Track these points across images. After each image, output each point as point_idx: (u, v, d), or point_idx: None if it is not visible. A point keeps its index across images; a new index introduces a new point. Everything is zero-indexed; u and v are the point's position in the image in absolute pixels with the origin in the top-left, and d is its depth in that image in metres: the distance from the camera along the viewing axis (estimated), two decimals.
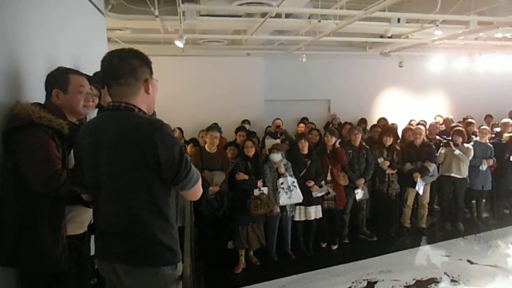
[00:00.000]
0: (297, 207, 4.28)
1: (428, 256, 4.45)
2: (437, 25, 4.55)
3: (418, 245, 4.72)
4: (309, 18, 4.80)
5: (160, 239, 1.44)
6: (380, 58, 7.52)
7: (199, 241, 3.99)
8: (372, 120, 7.21)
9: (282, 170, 4.10)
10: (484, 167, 5.06)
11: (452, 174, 4.98)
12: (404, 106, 8.40)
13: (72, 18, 2.69)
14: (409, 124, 6.31)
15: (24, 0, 1.91)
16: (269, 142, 4.87)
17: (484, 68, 7.45)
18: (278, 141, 5.05)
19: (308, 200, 4.22)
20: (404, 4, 5.25)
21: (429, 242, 4.81)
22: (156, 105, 1.62)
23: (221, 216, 4.12)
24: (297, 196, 4.09)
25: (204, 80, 6.95)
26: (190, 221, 2.44)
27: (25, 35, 1.89)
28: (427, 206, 5.08)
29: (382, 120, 6.72)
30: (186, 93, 6.75)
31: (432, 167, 4.81)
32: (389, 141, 4.80)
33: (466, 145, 4.94)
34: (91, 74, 2.18)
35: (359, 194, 4.59)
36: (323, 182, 4.34)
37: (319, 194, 4.28)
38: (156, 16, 3.93)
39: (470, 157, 4.91)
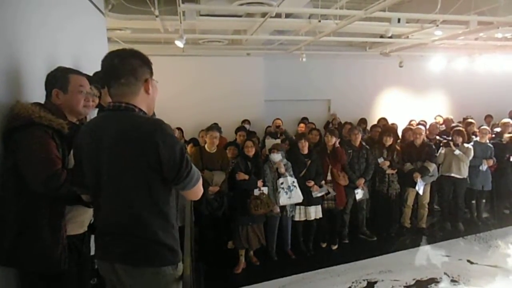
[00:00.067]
0: (297, 207, 4.28)
1: (428, 256, 4.45)
2: (437, 25, 4.55)
3: (418, 245, 4.72)
4: (309, 18, 4.80)
5: (161, 238, 1.45)
6: (380, 58, 7.53)
7: (199, 241, 3.99)
8: (372, 120, 7.21)
9: (282, 170, 4.10)
10: (484, 167, 5.06)
11: (452, 174, 4.98)
12: (404, 106, 8.40)
13: (72, 18, 2.69)
14: (409, 124, 6.30)
15: (24, 0, 1.91)
16: (269, 142, 4.87)
17: (484, 68, 7.45)
18: (278, 141, 5.05)
19: (308, 200, 4.22)
20: (404, 4, 5.25)
21: (429, 242, 4.81)
22: (156, 105, 1.62)
23: (221, 216, 4.12)
24: (297, 196, 4.09)
25: (204, 80, 6.95)
26: (190, 221, 2.44)
27: (25, 35, 1.89)
28: (427, 206, 5.08)
29: (382, 120, 6.72)
30: (186, 93, 6.75)
31: (432, 167, 4.81)
32: (389, 141, 4.80)
33: (466, 145, 4.94)
34: (91, 74, 2.18)
35: (359, 194, 4.59)
36: (323, 182, 4.34)
37: (319, 194, 4.28)
38: (156, 16, 3.94)
39: (470, 157, 4.91)
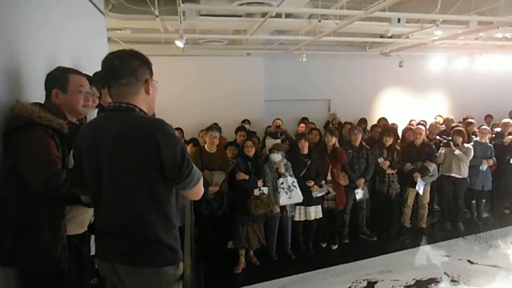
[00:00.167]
0: (297, 207, 4.28)
1: (428, 256, 4.45)
2: (437, 25, 4.55)
3: (418, 245, 4.72)
4: (309, 18, 4.80)
5: (162, 238, 1.45)
6: (380, 58, 7.52)
7: (199, 241, 3.99)
8: (372, 120, 7.21)
9: (282, 170, 4.10)
10: (484, 167, 5.06)
11: (452, 174, 4.98)
12: (404, 106, 8.40)
13: (72, 18, 2.69)
14: (409, 124, 6.31)
15: (24, 0, 1.91)
16: (269, 142, 4.87)
17: (484, 68, 7.45)
18: (278, 141, 5.05)
19: (308, 200, 4.22)
20: (404, 4, 5.25)
21: (429, 242, 4.81)
22: (156, 105, 1.62)
23: (221, 216, 4.12)
24: (297, 196, 4.09)
25: (204, 80, 6.95)
26: (190, 221, 2.44)
27: (25, 35, 1.89)
28: (427, 206, 5.08)
29: (382, 120, 6.72)
30: (186, 93, 6.75)
31: (432, 167, 4.81)
32: (389, 141, 4.80)
33: (466, 145, 4.94)
34: (91, 74, 2.18)
35: (359, 194, 4.59)
36: (323, 182, 4.34)
37: (319, 194, 4.28)
38: (156, 16, 3.93)
39: (470, 157, 4.91)
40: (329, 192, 4.40)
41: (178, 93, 6.49)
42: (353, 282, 3.83)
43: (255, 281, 3.86)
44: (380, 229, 4.99)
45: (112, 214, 1.46)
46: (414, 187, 4.79)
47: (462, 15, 4.59)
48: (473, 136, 5.50)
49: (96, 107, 2.20)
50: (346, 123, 6.40)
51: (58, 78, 1.78)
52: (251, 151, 4.10)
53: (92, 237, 1.97)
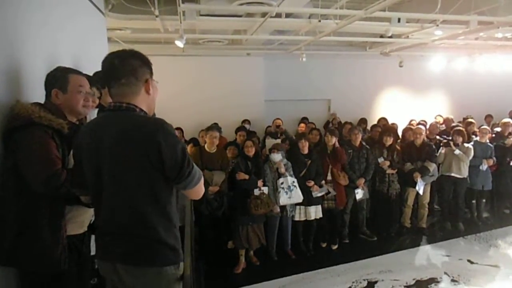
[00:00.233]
0: (297, 207, 4.28)
1: (428, 256, 4.45)
2: (437, 25, 4.55)
3: (418, 245, 4.72)
4: (309, 18, 4.80)
5: (163, 238, 1.45)
6: (380, 58, 7.52)
7: (199, 241, 3.99)
8: (372, 120, 7.22)
9: (282, 170, 4.10)
10: (484, 167, 5.06)
11: (452, 174, 4.98)
12: (404, 106, 8.40)
13: (72, 18, 2.69)
14: (409, 124, 6.31)
15: (24, 0, 1.91)
16: (269, 142, 4.88)
17: (484, 68, 7.45)
18: (279, 141, 5.05)
19: (308, 200, 4.22)
20: (404, 4, 5.25)
21: (429, 242, 4.81)
22: (156, 105, 1.62)
23: (221, 216, 4.12)
24: (297, 196, 4.09)
25: (204, 80, 6.95)
26: (190, 221, 2.44)
27: (26, 35, 1.89)
28: (427, 206, 5.08)
29: (382, 120, 6.72)
30: (186, 93, 6.75)
31: (432, 167, 4.81)
32: (389, 141, 4.80)
33: (466, 145, 4.94)
34: (91, 74, 2.18)
35: (359, 194, 4.59)
36: (323, 182, 4.34)
37: (319, 194, 4.28)
38: (156, 16, 3.93)
39: (470, 157, 4.91)
40: (329, 192, 4.40)
41: (178, 93, 6.49)
42: (353, 282, 3.83)
43: (255, 281, 3.86)
44: (380, 229, 4.99)
45: (112, 214, 1.46)
46: (414, 187, 4.79)
47: (462, 15, 4.59)
48: (473, 136, 5.49)
49: (96, 107, 2.20)
50: (346, 123, 6.40)
51: (58, 78, 1.78)
52: (251, 151, 4.10)
53: (92, 237, 1.97)
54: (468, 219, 5.37)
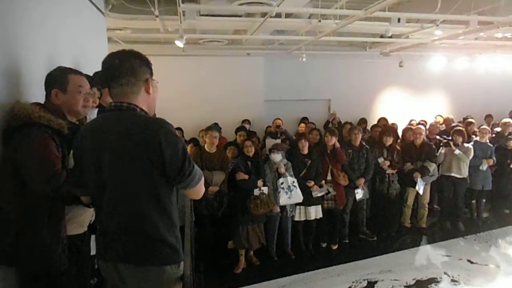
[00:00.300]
0: (297, 207, 4.28)
1: (428, 256, 4.45)
2: (437, 25, 4.55)
3: (418, 245, 4.72)
4: (309, 18, 4.81)
5: (164, 237, 1.45)
6: (380, 58, 7.52)
7: (199, 241, 3.99)
8: (372, 120, 7.21)
9: (282, 170, 4.10)
10: (484, 166, 5.06)
11: (452, 174, 4.98)
12: (404, 106, 8.40)
13: (72, 18, 2.69)
14: (409, 124, 6.31)
15: (24, 0, 1.91)
16: (269, 142, 4.89)
17: (484, 68, 7.45)
18: (278, 141, 5.06)
19: (308, 200, 4.21)
20: (404, 4, 5.25)
21: (429, 242, 4.81)
22: (156, 105, 1.62)
23: (221, 216, 4.12)
24: (297, 196, 4.08)
25: (204, 80, 6.95)
26: (190, 221, 2.44)
27: (25, 35, 1.89)
28: (427, 206, 5.09)
29: (383, 120, 6.72)
30: (186, 93, 6.75)
31: (432, 167, 4.81)
32: (389, 141, 4.80)
33: (466, 144, 4.94)
34: (91, 74, 2.18)
35: (359, 194, 4.59)
36: (323, 182, 4.34)
37: (319, 194, 4.28)
38: (156, 16, 3.93)
39: (470, 157, 4.91)
40: (329, 192, 4.40)
41: (178, 93, 6.49)
42: (353, 282, 3.83)
43: (255, 281, 3.86)
44: (380, 229, 4.99)
45: (113, 214, 1.46)
46: (414, 187, 4.79)
47: (462, 15, 4.59)
48: (473, 136, 5.50)
49: (97, 107, 2.20)
50: (346, 123, 6.40)
51: (57, 78, 1.78)
52: (250, 151, 4.11)
53: (92, 237, 1.97)
54: (468, 219, 5.38)
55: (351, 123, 6.13)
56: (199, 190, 1.57)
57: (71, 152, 1.66)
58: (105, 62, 1.46)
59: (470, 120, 6.34)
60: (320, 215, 4.35)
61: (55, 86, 1.76)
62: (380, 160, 4.74)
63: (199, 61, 6.93)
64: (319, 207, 4.34)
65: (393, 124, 6.51)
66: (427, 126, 5.95)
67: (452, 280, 3.84)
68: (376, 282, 3.83)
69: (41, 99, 1.80)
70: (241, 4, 4.01)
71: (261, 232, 4.14)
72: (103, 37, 3.77)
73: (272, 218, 4.22)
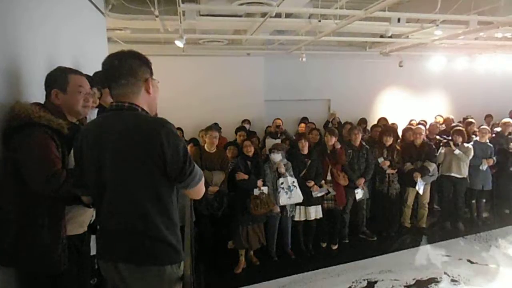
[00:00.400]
0: (297, 207, 4.28)
1: (428, 256, 4.45)
2: (437, 25, 4.55)
3: (418, 245, 4.72)
4: (309, 18, 4.80)
5: (165, 236, 1.45)
6: (380, 58, 7.52)
7: (199, 241, 3.99)
8: (372, 120, 7.22)
9: (282, 170, 4.10)
10: (484, 166, 5.06)
11: (452, 174, 4.98)
12: (404, 106, 8.40)
13: (72, 18, 2.69)
14: (409, 124, 6.31)
15: (24, 0, 1.91)
16: (269, 142, 4.88)
17: (484, 68, 7.45)
18: (278, 141, 5.06)
19: (308, 200, 4.21)
20: (404, 4, 5.25)
21: (429, 242, 4.81)
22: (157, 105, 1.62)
23: (221, 216, 4.12)
24: (297, 196, 4.08)
25: (204, 80, 6.95)
26: (190, 221, 2.44)
27: (25, 35, 1.89)
28: (427, 206, 5.09)
29: (382, 120, 6.72)
30: (186, 93, 6.75)
31: (432, 167, 4.81)
32: (389, 141, 4.80)
33: (466, 144, 4.94)
34: (91, 74, 2.18)
35: (359, 194, 4.59)
36: (323, 182, 4.34)
37: (319, 194, 4.28)
38: (156, 16, 3.93)
39: (470, 157, 4.91)
40: (329, 192, 4.40)
41: (178, 93, 6.49)
42: (353, 282, 3.83)
43: (255, 281, 3.86)
44: (380, 229, 4.99)
45: (114, 214, 1.46)
46: (414, 187, 4.79)
47: (462, 15, 4.59)
48: (473, 136, 5.49)
49: (97, 107, 2.20)
50: (346, 123, 6.40)
51: (57, 78, 1.78)
52: (250, 151, 4.11)
53: (93, 237, 1.97)
54: (468, 219, 5.37)
55: (351, 123, 6.13)
56: (199, 190, 1.57)
57: (71, 152, 1.66)
58: (105, 63, 1.47)
59: (470, 120, 6.33)
60: (320, 215, 4.35)
61: (55, 86, 1.76)
62: (380, 160, 4.74)
63: (199, 61, 6.93)
64: (319, 207, 4.34)
65: (393, 124, 6.51)
66: (427, 126, 5.95)
67: (452, 280, 3.84)
68: (376, 282, 3.83)
69: (41, 99, 1.80)
70: (241, 4, 4.01)
71: (261, 232, 4.14)
72: (103, 37, 3.77)
73: (272, 218, 4.22)
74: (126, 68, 1.45)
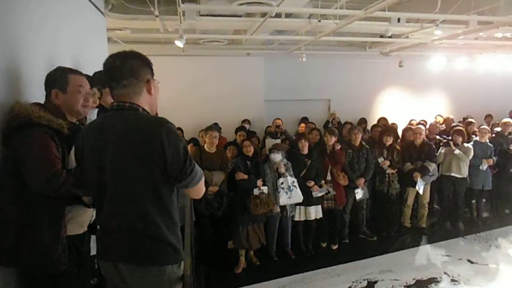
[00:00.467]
0: (297, 207, 4.28)
1: (428, 256, 4.45)
2: (437, 25, 4.55)
3: (418, 245, 4.72)
4: (309, 18, 4.81)
5: (165, 236, 1.45)
6: (380, 58, 7.52)
7: (199, 241, 3.99)
8: (372, 120, 7.22)
9: (282, 170, 4.10)
10: (484, 166, 5.06)
11: (452, 174, 4.98)
12: (404, 106, 8.40)
13: (72, 18, 2.69)
14: (409, 123, 6.31)
15: (24, 0, 1.91)
16: (269, 142, 4.88)
17: (484, 68, 7.45)
18: (278, 141, 5.06)
19: (308, 200, 4.21)
20: (404, 4, 5.25)
21: (429, 242, 4.81)
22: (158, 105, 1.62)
23: (221, 216, 4.12)
24: (297, 196, 4.08)
25: (204, 80, 6.95)
26: (190, 221, 2.45)
27: (25, 35, 1.89)
28: (427, 205, 5.08)
29: (382, 120, 6.72)
30: (186, 93, 6.75)
31: (432, 166, 4.81)
32: (389, 140, 4.80)
33: (466, 144, 4.94)
34: (91, 74, 2.18)
35: (359, 193, 4.59)
36: (323, 182, 4.34)
37: (319, 194, 4.28)
38: (156, 16, 3.93)
39: (470, 157, 4.91)
40: (329, 192, 4.40)
41: (178, 93, 6.48)
42: (353, 282, 3.83)
43: (255, 281, 3.86)
44: (380, 229, 4.99)
45: (114, 213, 1.46)
46: (414, 186, 4.79)
47: (462, 15, 4.59)
48: (473, 136, 5.49)
49: (97, 107, 2.20)
50: (346, 123, 6.40)
51: (57, 78, 1.77)
52: (250, 151, 4.11)
53: (93, 237, 1.97)
54: (468, 219, 5.37)
55: (351, 123, 6.14)
56: (199, 189, 1.57)
57: (71, 152, 1.66)
58: (106, 63, 1.47)
59: (470, 120, 6.33)
60: (320, 215, 4.35)
61: (55, 86, 1.76)
62: (380, 160, 4.74)
63: (199, 61, 6.93)
64: (319, 207, 4.34)
65: (393, 124, 6.50)
66: (427, 126, 5.95)
67: (452, 280, 3.84)
68: (376, 282, 3.83)
69: (41, 99, 1.80)
70: (241, 4, 4.01)
71: (261, 232, 4.14)
72: (103, 37, 3.77)
73: (272, 218, 4.22)
74: (127, 68, 1.45)
